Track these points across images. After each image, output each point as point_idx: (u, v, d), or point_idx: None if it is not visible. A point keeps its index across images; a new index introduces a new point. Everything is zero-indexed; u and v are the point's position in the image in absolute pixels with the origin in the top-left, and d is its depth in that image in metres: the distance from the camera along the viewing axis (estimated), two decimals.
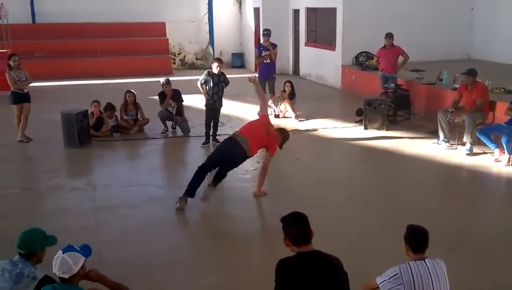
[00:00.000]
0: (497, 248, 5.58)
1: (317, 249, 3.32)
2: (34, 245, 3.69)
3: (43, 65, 17.89)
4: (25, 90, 9.91)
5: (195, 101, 11.81)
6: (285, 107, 11.73)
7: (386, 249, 5.15)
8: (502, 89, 10.37)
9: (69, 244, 3.43)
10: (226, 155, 6.70)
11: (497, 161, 8.26)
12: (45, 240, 3.76)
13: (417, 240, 3.66)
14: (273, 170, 7.34)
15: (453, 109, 8.92)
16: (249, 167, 8.10)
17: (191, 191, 6.69)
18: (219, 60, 9.65)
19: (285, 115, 11.74)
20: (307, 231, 3.33)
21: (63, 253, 3.29)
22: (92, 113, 10.29)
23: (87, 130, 9.87)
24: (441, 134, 9.20)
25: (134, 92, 10.99)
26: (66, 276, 3.23)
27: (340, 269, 3.32)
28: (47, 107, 12.13)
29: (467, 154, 8.65)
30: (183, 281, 4.96)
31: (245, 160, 6.88)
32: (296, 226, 3.34)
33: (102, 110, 10.50)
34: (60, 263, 3.23)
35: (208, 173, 6.89)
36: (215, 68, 9.39)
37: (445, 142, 9.14)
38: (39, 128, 10.39)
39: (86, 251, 3.42)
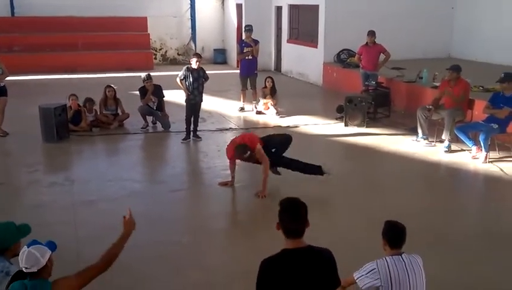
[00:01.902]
0: (474, 244, 5.67)
1: (306, 245, 3.15)
2: (5, 240, 3.62)
3: (22, 59, 17.65)
4: (1, 84, 9.76)
5: (176, 97, 11.75)
6: (266, 105, 11.72)
7: (365, 244, 5.19)
8: (481, 88, 10.51)
9: (33, 239, 3.36)
10: None
11: (474, 158, 8.38)
12: (17, 233, 3.69)
13: (394, 236, 3.69)
14: (252, 166, 7.35)
15: (431, 107, 9.01)
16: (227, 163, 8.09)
17: None
18: (198, 55, 9.61)
19: (265, 111, 11.74)
20: (301, 225, 3.12)
21: (28, 247, 3.23)
22: (70, 106, 10.17)
23: (65, 125, 9.75)
24: (419, 131, 9.29)
25: (115, 87, 10.90)
26: (35, 269, 3.17)
27: (331, 266, 3.18)
28: (25, 101, 11.96)
29: (445, 151, 8.75)
30: (164, 277, 4.94)
31: None
32: (291, 219, 3.13)
33: (80, 104, 10.38)
34: (27, 257, 3.17)
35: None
36: (194, 63, 9.36)
37: (424, 139, 9.24)
38: (17, 123, 10.24)
39: (51, 245, 3.36)
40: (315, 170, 7.31)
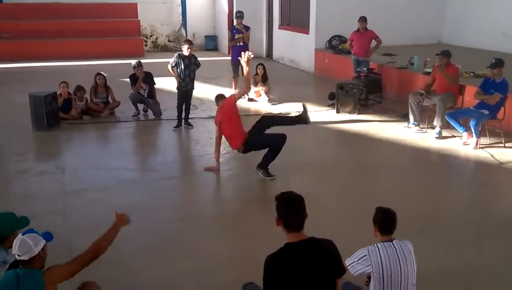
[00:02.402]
0: (465, 230, 5.71)
1: (308, 237, 3.17)
2: (4, 229, 3.68)
3: (11, 46, 17.49)
4: None
5: (167, 84, 11.68)
6: (258, 92, 11.68)
7: (357, 231, 5.20)
8: (472, 74, 10.52)
9: (30, 228, 3.37)
10: None
11: (465, 144, 8.41)
12: (16, 223, 3.74)
13: (385, 222, 3.71)
14: (243, 155, 7.34)
15: (423, 92, 9.01)
16: (221, 152, 8.06)
17: None
18: (189, 42, 9.53)
19: (257, 99, 11.70)
20: (301, 217, 3.15)
21: (22, 235, 3.24)
22: (60, 94, 10.09)
23: (55, 113, 9.68)
24: (411, 117, 9.30)
25: (105, 75, 10.81)
26: (26, 257, 3.18)
27: (334, 255, 3.21)
28: (14, 89, 11.86)
29: (436, 137, 8.78)
30: (156, 265, 4.93)
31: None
32: (290, 212, 3.15)
33: (70, 92, 10.30)
34: (20, 244, 3.18)
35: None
36: (185, 50, 9.28)
37: (415, 125, 9.25)
38: (6, 111, 10.17)
39: (47, 236, 3.36)
40: (298, 120, 7.42)
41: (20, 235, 3.25)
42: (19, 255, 3.19)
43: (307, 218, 3.22)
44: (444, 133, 8.88)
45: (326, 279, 3.16)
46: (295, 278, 3.08)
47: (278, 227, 3.21)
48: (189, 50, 9.28)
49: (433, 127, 8.95)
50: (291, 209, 3.15)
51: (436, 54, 9.14)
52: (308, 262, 3.10)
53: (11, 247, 3.54)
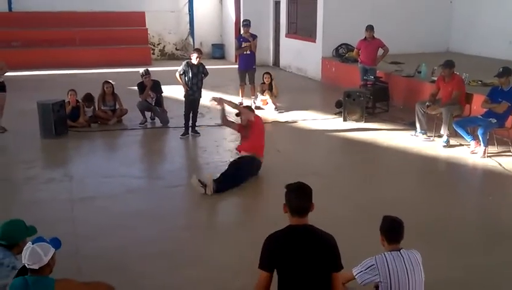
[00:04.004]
0: (471, 239, 5.68)
1: (310, 224, 3.37)
2: (15, 236, 3.75)
3: (20, 54, 17.61)
4: (0, 80, 9.73)
5: (174, 92, 11.73)
6: (265, 100, 11.70)
7: (364, 240, 5.19)
8: (479, 82, 10.50)
9: (39, 236, 3.40)
10: None
11: (473, 152, 8.37)
12: (26, 231, 3.81)
13: (392, 231, 3.70)
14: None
15: (429, 104, 8.99)
16: (227, 159, 8.09)
17: None
18: (199, 51, 9.58)
19: (264, 107, 11.73)
20: (306, 203, 3.37)
21: (32, 244, 3.26)
22: (69, 102, 10.15)
23: (64, 121, 9.73)
24: (418, 126, 9.29)
25: (113, 83, 10.87)
26: (36, 267, 3.20)
27: (332, 246, 3.36)
28: (23, 97, 11.93)
29: (444, 146, 8.75)
30: (163, 273, 4.93)
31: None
32: (296, 197, 3.37)
33: (78, 100, 10.36)
34: (30, 254, 3.20)
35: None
36: (194, 59, 9.33)
37: (423, 134, 9.24)
38: (15, 119, 10.22)
39: (55, 243, 3.39)
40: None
41: (29, 244, 3.28)
42: (28, 264, 3.22)
43: (313, 210, 3.37)
44: (452, 141, 8.85)
45: (321, 267, 3.30)
46: (291, 259, 3.26)
47: (285, 214, 3.40)
48: (198, 59, 9.32)
49: (440, 136, 8.93)
50: (297, 194, 3.39)
51: (439, 65, 9.12)
52: (306, 245, 3.29)
53: (20, 253, 3.58)
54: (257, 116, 7.75)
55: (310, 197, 3.40)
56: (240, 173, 7.13)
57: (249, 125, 7.55)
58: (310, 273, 3.27)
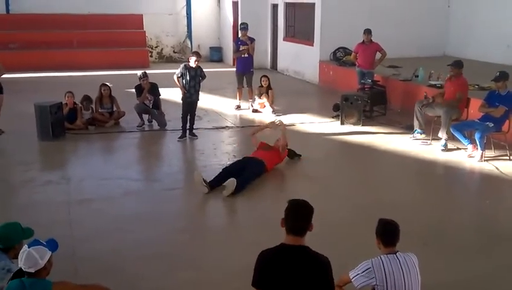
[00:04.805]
0: (469, 242, 5.68)
1: (305, 245, 3.26)
2: (11, 239, 3.73)
3: (18, 56, 17.59)
4: None
5: (172, 95, 11.74)
6: (262, 104, 11.71)
7: (361, 243, 5.18)
8: (476, 86, 10.53)
9: (35, 239, 3.39)
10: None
11: (470, 156, 8.39)
12: (22, 234, 3.79)
13: (387, 234, 3.70)
14: None
15: (432, 98, 9.03)
16: (225, 162, 8.09)
17: None
18: (197, 54, 9.58)
19: (261, 110, 11.73)
20: (302, 223, 3.27)
21: (28, 247, 3.25)
22: (66, 104, 10.14)
23: (61, 123, 9.72)
24: (416, 125, 9.32)
25: (110, 85, 10.87)
26: (32, 270, 3.20)
27: (325, 269, 3.24)
28: (21, 99, 11.92)
29: (442, 150, 8.77)
30: (159, 275, 4.93)
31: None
32: (294, 216, 3.28)
33: (76, 102, 10.35)
34: (26, 257, 3.19)
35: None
36: (192, 62, 9.33)
37: (421, 133, 9.26)
38: (12, 121, 10.20)
39: (52, 245, 3.38)
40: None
41: (26, 248, 3.26)
42: (25, 268, 3.21)
43: (311, 230, 3.27)
44: (449, 145, 8.87)
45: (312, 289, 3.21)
46: (281, 280, 3.18)
47: (281, 228, 3.32)
48: (196, 62, 9.33)
49: (438, 139, 8.95)
50: (296, 213, 3.29)
51: (448, 65, 9.16)
52: (297, 268, 3.19)
53: (16, 256, 3.57)
54: (286, 152, 8.07)
55: (309, 217, 3.30)
56: (250, 169, 7.23)
57: (275, 152, 7.85)
58: None
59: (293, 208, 3.32)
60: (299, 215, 3.28)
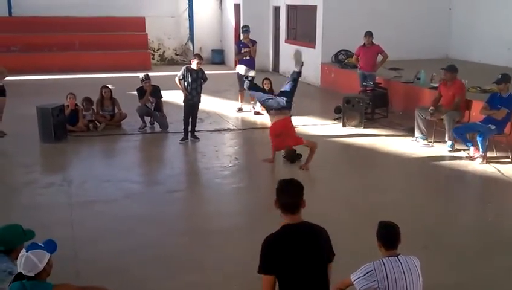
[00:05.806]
0: (471, 245, 5.68)
1: (305, 221, 3.34)
2: (12, 241, 3.72)
3: (20, 59, 17.63)
4: (0, 84, 9.74)
5: (174, 97, 11.74)
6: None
7: (362, 245, 5.19)
8: (478, 89, 10.52)
9: (32, 242, 3.39)
10: None
11: (472, 159, 8.38)
12: (23, 236, 3.78)
13: (388, 237, 3.69)
14: (252, 167, 7.36)
15: (433, 111, 8.99)
16: (227, 164, 8.10)
17: None
18: (199, 57, 9.59)
19: (263, 112, 11.73)
20: (295, 199, 3.32)
21: (26, 251, 3.25)
22: (67, 105, 10.16)
23: (63, 125, 9.74)
24: (417, 131, 9.31)
25: (111, 87, 10.88)
26: (32, 274, 3.20)
27: (327, 238, 3.39)
28: (23, 101, 11.92)
29: (449, 151, 8.76)
30: (161, 277, 4.94)
31: None
32: (286, 194, 3.33)
33: (77, 103, 10.37)
34: (25, 262, 3.20)
35: None
36: (194, 64, 9.34)
37: (423, 139, 9.25)
38: (14, 123, 10.22)
39: (50, 246, 3.37)
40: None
41: (24, 251, 3.27)
42: (24, 272, 3.21)
43: (304, 207, 3.33)
44: (457, 146, 8.83)
45: (321, 261, 3.31)
46: (293, 259, 3.23)
47: (276, 210, 3.38)
48: (198, 65, 9.34)
49: (439, 142, 8.95)
50: (287, 191, 3.35)
51: (441, 69, 9.15)
52: (305, 243, 3.27)
53: (16, 258, 3.58)
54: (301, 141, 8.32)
55: (300, 193, 3.34)
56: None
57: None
58: (311, 270, 3.27)
59: (283, 186, 3.37)
60: (290, 192, 3.34)
